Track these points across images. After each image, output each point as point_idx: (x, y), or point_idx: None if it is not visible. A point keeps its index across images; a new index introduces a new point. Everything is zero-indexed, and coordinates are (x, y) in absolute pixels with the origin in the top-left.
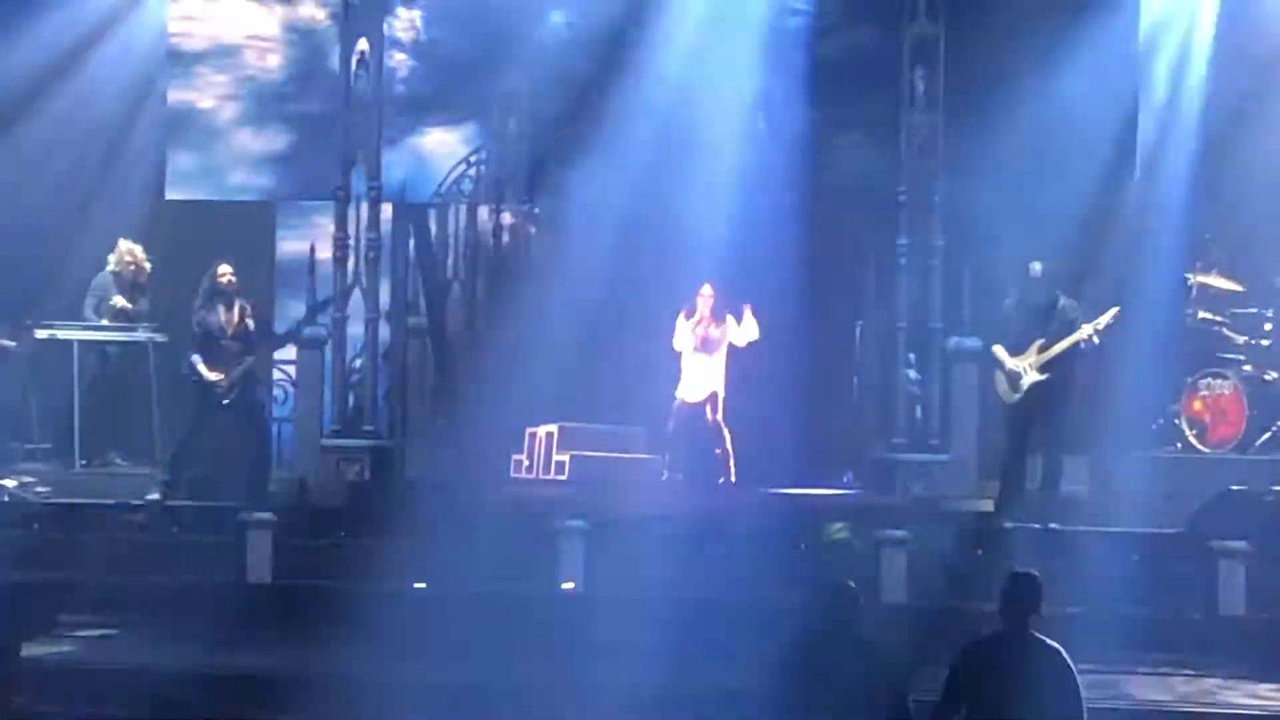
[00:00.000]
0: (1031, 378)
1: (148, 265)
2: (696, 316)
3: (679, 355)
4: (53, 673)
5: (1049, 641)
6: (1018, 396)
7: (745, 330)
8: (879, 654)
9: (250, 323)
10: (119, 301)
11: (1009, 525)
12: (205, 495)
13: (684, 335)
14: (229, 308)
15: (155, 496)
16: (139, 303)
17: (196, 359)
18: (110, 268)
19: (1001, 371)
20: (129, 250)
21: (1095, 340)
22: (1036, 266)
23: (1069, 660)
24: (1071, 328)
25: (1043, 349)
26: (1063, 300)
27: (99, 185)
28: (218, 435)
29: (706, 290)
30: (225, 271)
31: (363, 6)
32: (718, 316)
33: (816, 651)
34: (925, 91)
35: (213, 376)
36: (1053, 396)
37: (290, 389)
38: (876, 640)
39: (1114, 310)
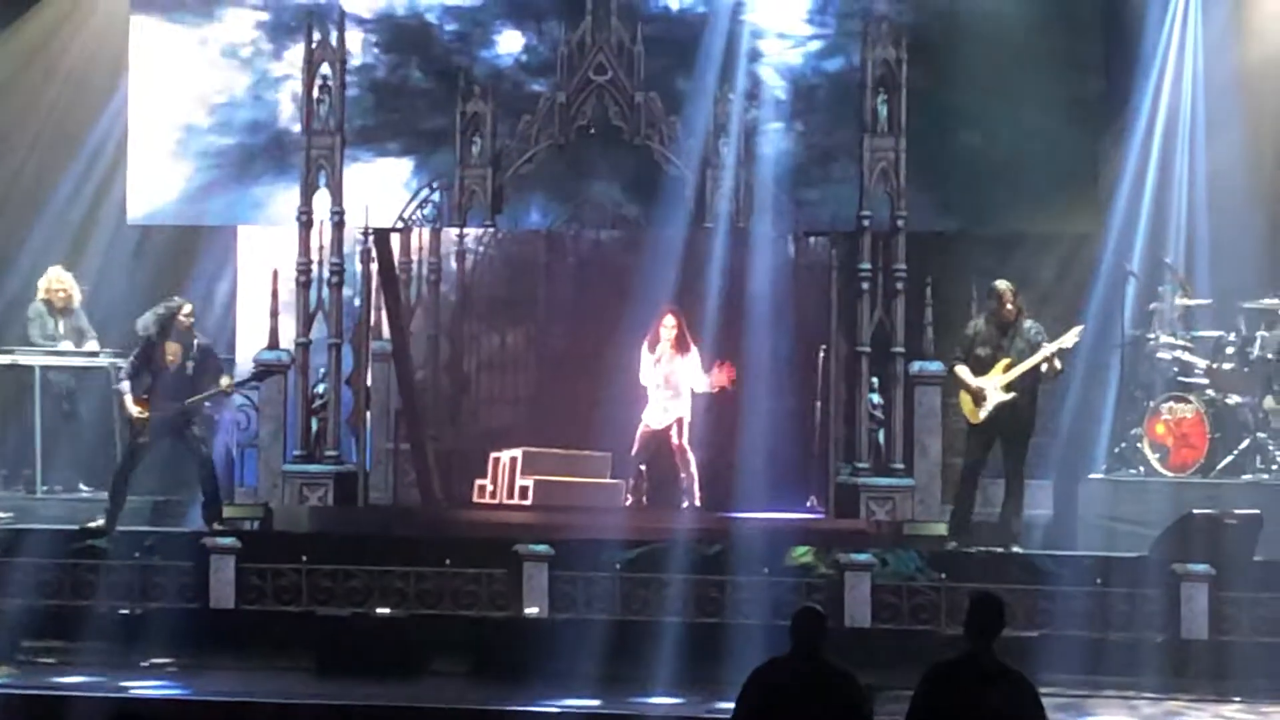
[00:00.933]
0: (998, 397)
1: (76, 293)
2: (660, 347)
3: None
4: (14, 703)
5: (1011, 666)
6: (984, 415)
7: (697, 375)
8: (844, 679)
9: (190, 366)
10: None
11: (974, 550)
12: (167, 521)
13: (648, 366)
14: (178, 346)
15: (98, 523)
16: (69, 330)
17: (125, 386)
18: (40, 295)
19: (967, 391)
20: (57, 278)
21: (1057, 364)
22: (1000, 286)
23: (1032, 684)
24: (1035, 347)
25: (1008, 368)
26: (1026, 320)
27: (63, 209)
28: (175, 461)
29: (669, 321)
30: (188, 312)
31: (324, 34)
32: (681, 346)
33: (782, 676)
34: (887, 116)
35: (134, 411)
36: (1018, 416)
37: (253, 414)
38: (841, 665)
39: (1077, 328)
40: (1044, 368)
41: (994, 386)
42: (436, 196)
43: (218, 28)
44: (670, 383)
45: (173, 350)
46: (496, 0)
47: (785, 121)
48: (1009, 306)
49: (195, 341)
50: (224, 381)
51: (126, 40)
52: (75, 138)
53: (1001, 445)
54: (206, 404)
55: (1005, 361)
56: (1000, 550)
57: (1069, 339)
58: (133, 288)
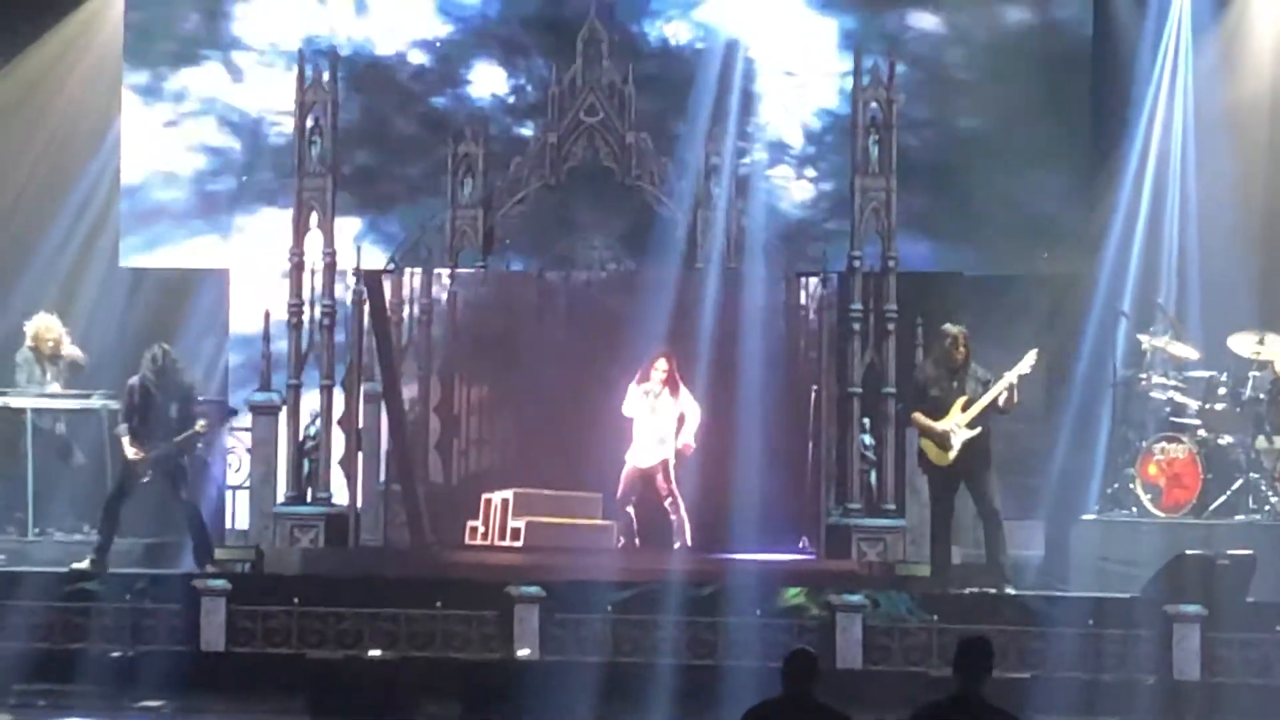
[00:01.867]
0: (964, 435)
1: (65, 339)
2: (650, 385)
3: (631, 421)
4: None
5: (999, 707)
6: (952, 456)
7: (687, 423)
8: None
9: (174, 408)
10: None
11: (965, 591)
12: (158, 563)
13: (635, 402)
14: (165, 389)
15: (84, 565)
16: (56, 375)
17: (123, 429)
18: (28, 342)
19: (929, 437)
20: (46, 325)
21: (1014, 398)
22: (952, 329)
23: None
24: (988, 384)
25: (967, 405)
26: (973, 364)
27: (54, 253)
28: (165, 503)
29: (661, 365)
30: (172, 358)
31: (315, 75)
32: (672, 388)
33: (774, 717)
34: (879, 156)
35: (132, 453)
36: (976, 454)
37: (245, 455)
38: (833, 706)
39: (1032, 353)
40: (1000, 400)
41: (957, 425)
42: (428, 237)
43: (210, 70)
44: (658, 424)
45: (162, 395)
46: (482, 39)
47: (791, 162)
48: (960, 349)
49: (179, 384)
50: (200, 424)
51: (119, 82)
52: (67, 180)
53: (967, 486)
54: (199, 445)
55: (962, 400)
56: (993, 591)
57: (1025, 365)
58: (124, 331)
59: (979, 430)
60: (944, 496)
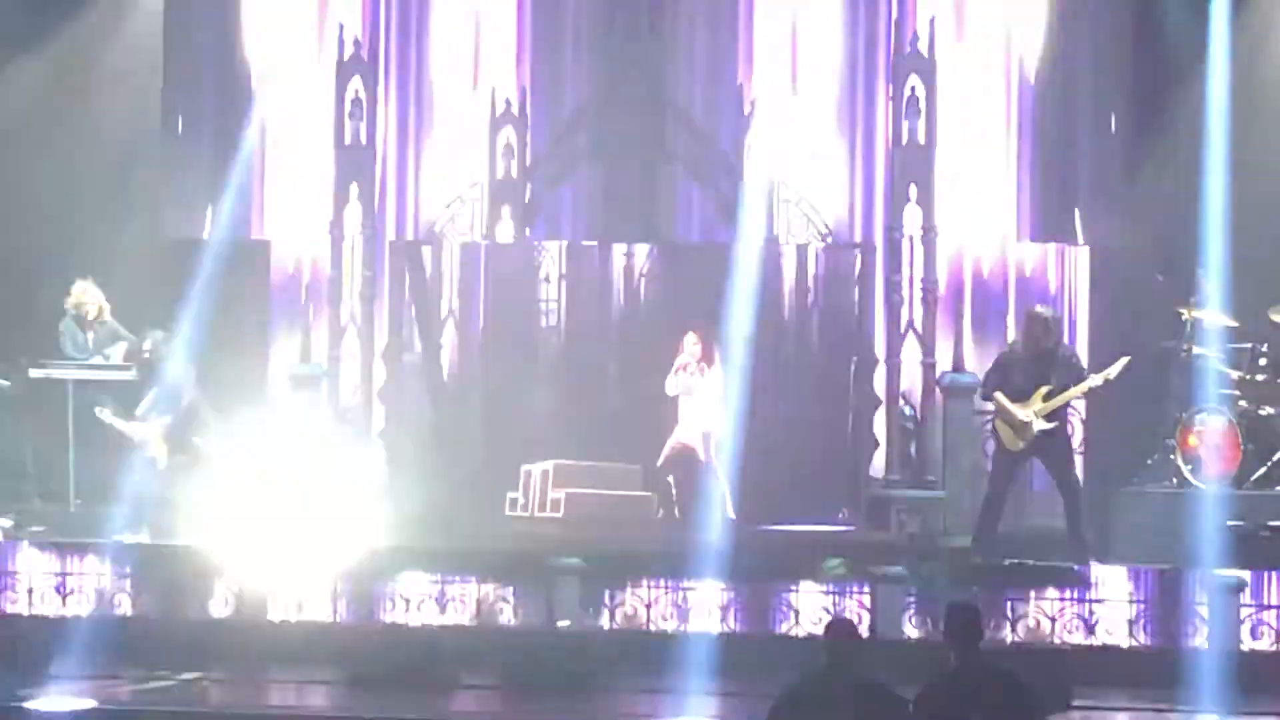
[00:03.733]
0: (1040, 426)
1: (105, 304)
2: (681, 363)
3: (676, 395)
4: None
5: (1000, 666)
6: (1023, 444)
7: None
8: (880, 692)
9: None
10: (114, 351)
11: (1007, 562)
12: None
13: (671, 379)
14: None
15: (123, 537)
16: (98, 342)
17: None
18: (70, 310)
19: (1006, 420)
20: (84, 290)
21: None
22: (1042, 311)
23: (1022, 681)
24: (1075, 372)
25: (1048, 397)
26: (1063, 346)
27: (98, 223)
28: None
29: (691, 339)
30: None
31: (356, 47)
32: (706, 362)
33: (816, 689)
34: (918, 128)
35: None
36: (1057, 442)
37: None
38: (877, 678)
39: (1123, 360)
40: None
41: (1035, 415)
42: (469, 207)
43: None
44: (698, 398)
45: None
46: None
47: None
48: (1049, 332)
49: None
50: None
51: (162, 49)
52: (110, 148)
53: (1043, 463)
54: None
55: (1045, 390)
56: (1031, 562)
57: (1114, 370)
58: (166, 302)
59: (1055, 424)
60: (1002, 477)
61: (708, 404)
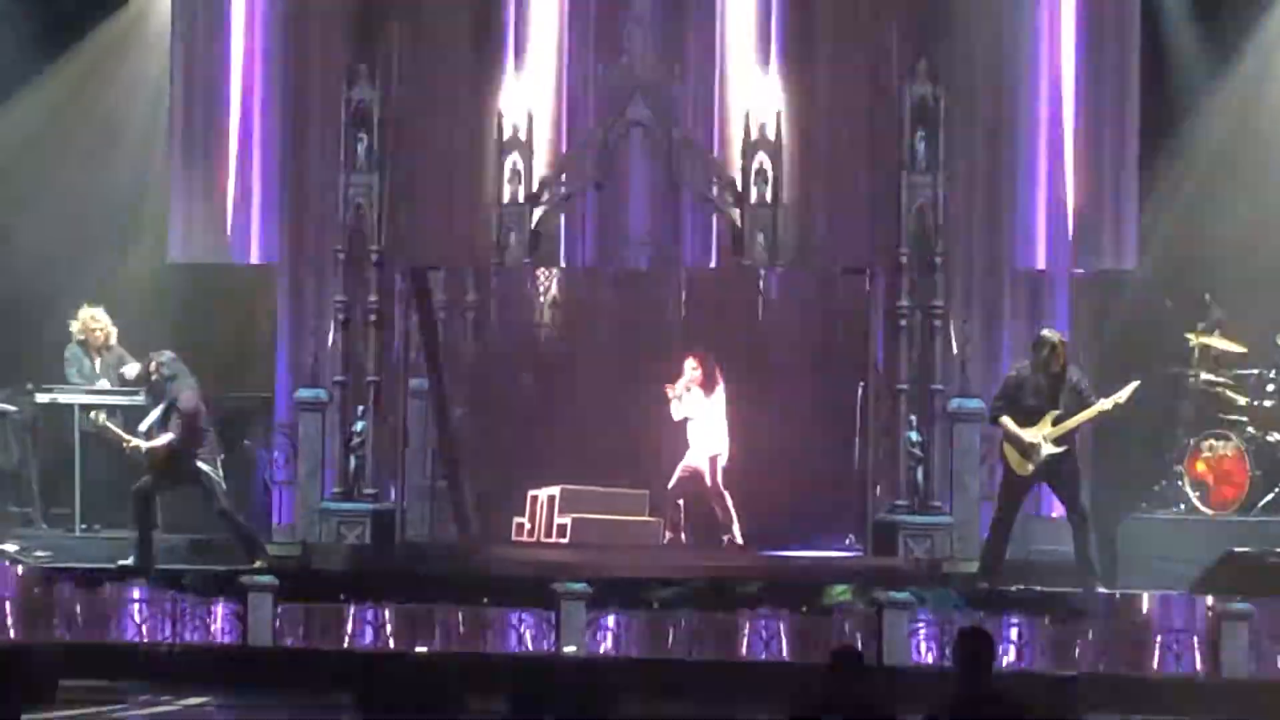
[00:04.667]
0: (1049, 450)
1: (113, 329)
2: (682, 386)
3: (683, 420)
4: None
5: (1009, 692)
6: (1031, 468)
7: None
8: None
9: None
10: (128, 370)
11: (1014, 589)
12: (205, 558)
13: (675, 405)
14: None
15: (129, 561)
16: (105, 368)
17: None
18: (75, 336)
19: (1014, 445)
20: (92, 317)
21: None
22: (1051, 335)
23: (1031, 708)
24: (1083, 398)
25: (1058, 421)
26: (1071, 370)
27: (103, 249)
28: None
29: (691, 363)
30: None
31: (364, 70)
32: (708, 387)
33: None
34: (925, 153)
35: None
36: (1066, 466)
37: (291, 451)
38: (882, 705)
39: (1134, 384)
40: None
41: (1044, 438)
42: (476, 233)
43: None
44: (703, 422)
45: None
46: None
47: None
48: (1058, 357)
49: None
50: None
51: (167, 77)
52: (114, 173)
53: (1052, 489)
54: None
55: (1054, 414)
56: (1038, 589)
57: (1124, 395)
58: (169, 327)
59: (1065, 448)
60: (1010, 502)
61: (712, 428)
